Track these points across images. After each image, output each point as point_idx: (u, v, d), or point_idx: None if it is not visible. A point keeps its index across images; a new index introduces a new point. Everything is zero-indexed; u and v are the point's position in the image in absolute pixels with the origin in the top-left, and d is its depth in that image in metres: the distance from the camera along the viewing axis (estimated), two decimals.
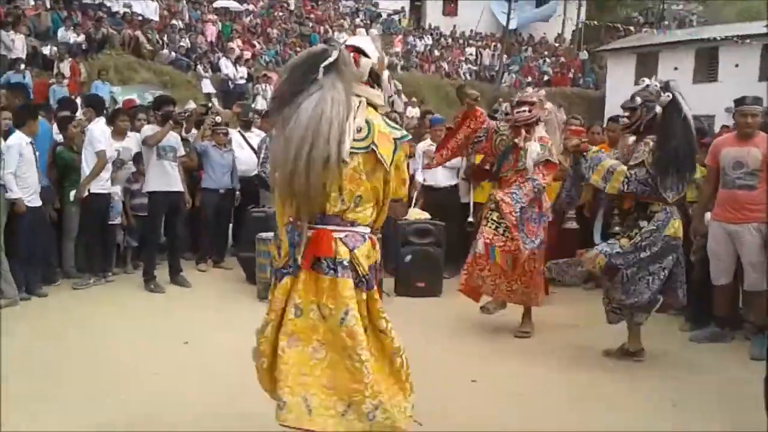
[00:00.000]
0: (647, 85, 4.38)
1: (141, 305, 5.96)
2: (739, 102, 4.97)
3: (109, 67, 15.78)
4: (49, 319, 5.41)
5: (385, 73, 2.89)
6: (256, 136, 8.18)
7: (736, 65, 22.97)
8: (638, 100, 4.35)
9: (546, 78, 28.37)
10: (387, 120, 2.80)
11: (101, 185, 6.41)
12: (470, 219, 7.06)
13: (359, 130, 2.64)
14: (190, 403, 3.75)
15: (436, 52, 27.40)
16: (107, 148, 6.40)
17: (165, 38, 18.60)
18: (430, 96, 22.81)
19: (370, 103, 2.74)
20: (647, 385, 4.26)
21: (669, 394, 4.07)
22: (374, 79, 2.81)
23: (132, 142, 7.05)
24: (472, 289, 5.23)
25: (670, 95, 4.25)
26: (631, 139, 4.57)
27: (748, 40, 22.31)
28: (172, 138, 6.61)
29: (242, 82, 18.32)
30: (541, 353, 4.82)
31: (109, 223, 6.87)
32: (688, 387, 4.22)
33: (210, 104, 12.91)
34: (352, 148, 2.59)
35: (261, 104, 17.10)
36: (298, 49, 22.26)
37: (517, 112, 5.14)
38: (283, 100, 2.63)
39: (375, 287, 2.73)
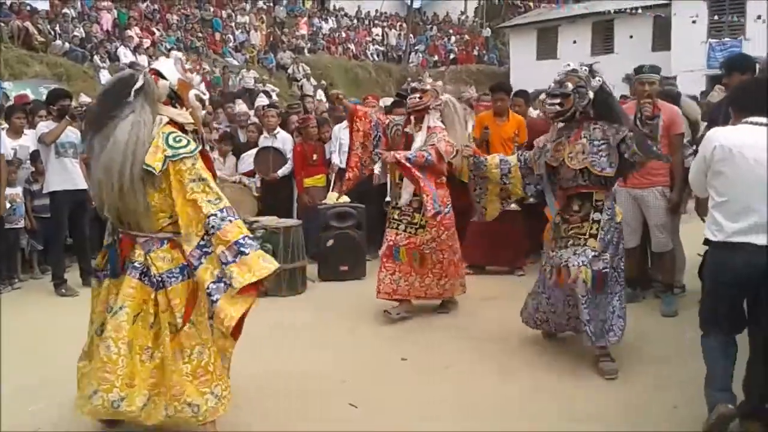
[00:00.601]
0: (573, 70, 4.13)
1: (52, 311, 5.68)
2: (638, 71, 5.17)
3: None
4: None
5: (192, 92, 3.22)
6: None
7: (631, 36, 23.98)
8: (569, 86, 4.07)
9: (452, 56, 28.76)
10: (174, 137, 3.00)
11: None
12: (387, 198, 7.09)
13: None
14: None
15: (343, 34, 27.24)
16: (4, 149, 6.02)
17: (57, 28, 17.58)
18: (338, 78, 22.69)
19: (174, 121, 3.07)
20: (571, 344, 4.42)
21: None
22: (176, 98, 3.14)
23: (29, 140, 6.68)
24: (389, 294, 5.10)
25: (600, 79, 4.09)
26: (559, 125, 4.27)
27: (640, 11, 23.29)
28: (71, 134, 6.29)
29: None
30: (469, 327, 4.92)
31: (11, 227, 6.52)
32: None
33: None
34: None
35: None
36: (199, 34, 21.67)
37: (409, 99, 5.13)
38: (100, 123, 2.99)
39: (173, 286, 3.01)
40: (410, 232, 5.02)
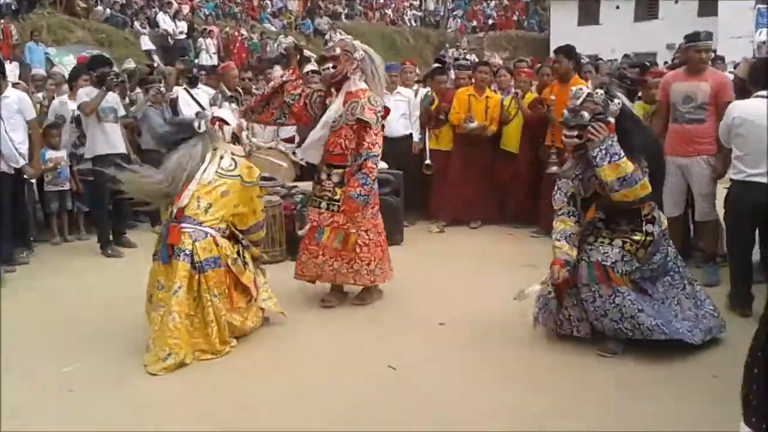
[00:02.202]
0: (589, 94, 3.74)
1: (98, 271, 5.85)
2: (693, 38, 5.03)
3: (41, 28, 15.07)
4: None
5: (244, 134, 4.29)
6: (203, 92, 7.96)
7: (676, 2, 23.29)
8: (586, 116, 3.69)
9: (491, 22, 28.31)
10: (250, 165, 4.17)
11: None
12: (428, 161, 7.10)
13: (229, 166, 4.07)
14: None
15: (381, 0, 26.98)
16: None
17: None
18: (375, 44, 22.43)
19: (235, 154, 4.16)
20: None
21: None
22: (235, 138, 4.22)
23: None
24: (311, 278, 4.75)
25: (620, 102, 3.73)
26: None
27: None
28: (111, 99, 6.39)
29: (182, 37, 17.75)
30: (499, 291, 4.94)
31: (57, 189, 6.71)
32: None
33: (156, 64, 12.49)
34: (219, 173, 4.02)
35: (204, 59, 16.65)
36: (238, 0, 21.67)
37: (323, 70, 4.52)
38: (173, 143, 4.22)
39: (207, 272, 3.83)
40: (333, 210, 4.54)
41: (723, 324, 3.97)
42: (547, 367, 3.72)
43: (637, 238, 3.83)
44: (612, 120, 3.69)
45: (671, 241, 4.06)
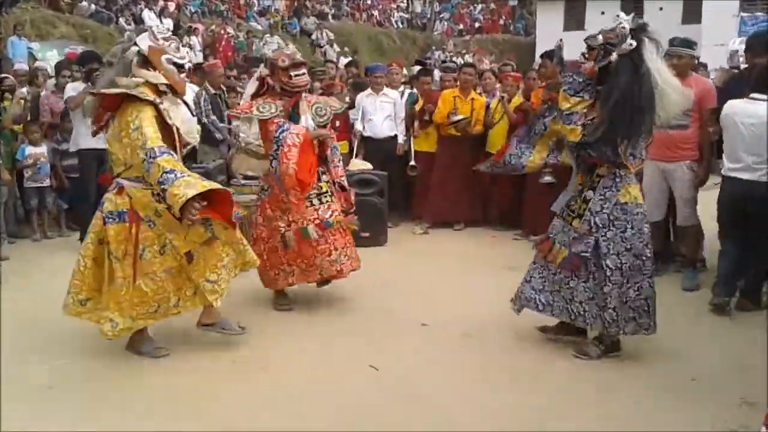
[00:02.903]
0: (617, 24, 3.59)
1: None
2: (669, 43, 5.08)
3: (24, 22, 14.86)
4: None
5: (163, 57, 3.68)
6: (188, 89, 7.90)
7: (660, 9, 23.52)
8: (600, 39, 3.64)
9: (477, 25, 28.41)
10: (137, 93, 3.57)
11: None
12: (412, 163, 7.11)
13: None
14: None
15: (368, 0, 26.97)
16: None
17: None
18: (362, 45, 22.55)
19: (148, 82, 3.65)
20: None
21: None
22: (148, 63, 3.68)
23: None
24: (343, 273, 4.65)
25: (634, 44, 3.53)
26: None
27: None
28: None
29: (168, 34, 17.61)
30: (486, 297, 4.96)
31: (36, 185, 6.65)
32: None
33: None
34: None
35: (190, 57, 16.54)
36: None
37: (296, 76, 4.40)
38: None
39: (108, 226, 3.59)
40: (328, 200, 4.56)
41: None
42: (531, 368, 3.74)
43: (575, 206, 3.79)
44: (613, 57, 3.56)
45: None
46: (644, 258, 3.70)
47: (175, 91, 3.75)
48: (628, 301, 3.68)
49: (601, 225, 3.66)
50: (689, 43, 5.07)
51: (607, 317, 3.69)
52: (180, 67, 3.77)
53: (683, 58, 4.97)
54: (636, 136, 3.62)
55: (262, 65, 4.84)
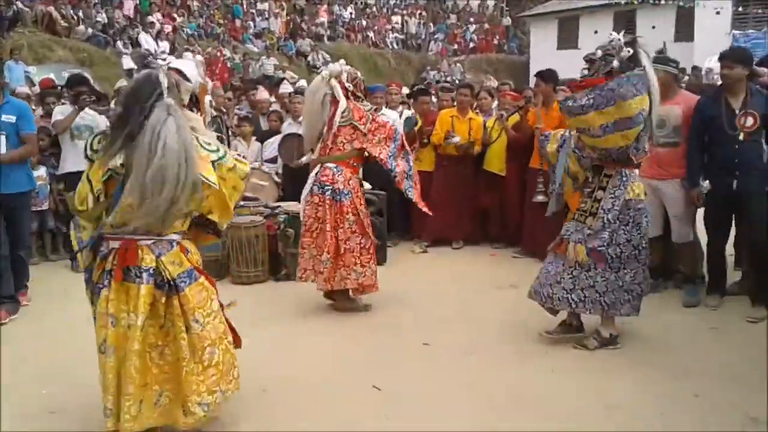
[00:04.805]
0: (611, 39, 4.09)
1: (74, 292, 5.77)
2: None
3: (22, 46, 14.96)
4: None
5: (207, 98, 3.09)
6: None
7: (653, 27, 23.72)
8: (599, 53, 4.09)
9: (471, 45, 28.63)
10: (203, 141, 2.92)
11: None
12: None
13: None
14: None
15: (363, 22, 27.20)
16: None
17: (80, 14, 17.75)
18: (358, 66, 22.43)
19: (191, 127, 2.84)
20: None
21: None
22: (194, 103, 2.99)
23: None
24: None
25: (630, 51, 3.98)
26: None
27: (663, 1, 23.04)
28: (88, 117, 6.45)
29: (164, 57, 17.73)
30: (483, 318, 4.96)
31: (36, 209, 6.64)
32: (631, 328, 4.48)
33: None
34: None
35: None
36: (220, 20, 21.74)
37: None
38: (133, 128, 2.70)
39: (185, 291, 2.92)
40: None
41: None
42: (534, 388, 3.73)
43: (586, 206, 4.16)
44: (615, 63, 3.96)
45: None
46: (640, 248, 4.13)
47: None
48: (624, 285, 4.11)
49: (613, 221, 4.06)
50: (666, 60, 5.09)
51: (607, 300, 4.09)
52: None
53: (658, 73, 5.01)
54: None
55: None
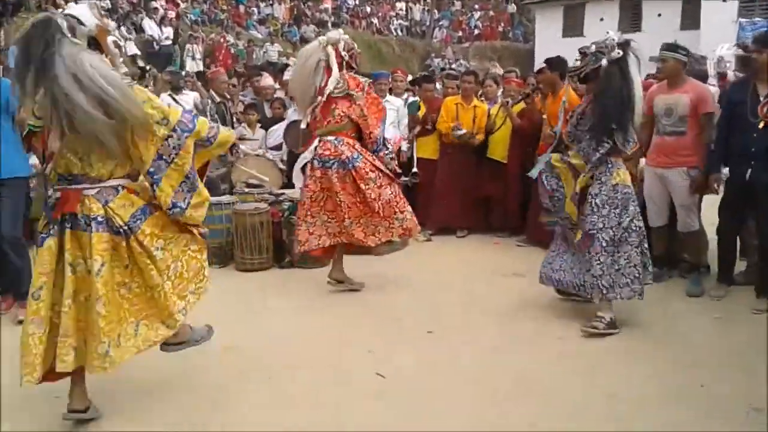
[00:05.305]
0: (607, 38, 4.26)
1: None
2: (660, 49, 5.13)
3: None
4: None
5: (110, 39, 3.04)
6: (188, 97, 7.96)
7: (659, 15, 23.59)
8: (592, 48, 4.28)
9: (476, 32, 28.49)
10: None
11: None
12: (415, 170, 7.12)
13: None
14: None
15: (367, 8, 27.07)
16: None
17: None
18: (362, 53, 22.56)
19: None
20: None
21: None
22: (95, 45, 2.95)
23: None
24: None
25: (621, 52, 4.16)
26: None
27: None
28: None
29: (168, 43, 17.69)
30: (488, 302, 4.96)
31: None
32: (635, 317, 4.49)
33: (148, 67, 12.46)
34: None
35: (190, 66, 16.62)
36: (224, 7, 21.66)
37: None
38: (43, 63, 2.70)
39: (141, 227, 2.99)
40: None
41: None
42: (540, 377, 3.72)
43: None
44: (604, 62, 4.18)
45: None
46: (630, 230, 4.27)
47: None
48: (620, 269, 4.24)
49: (601, 205, 4.24)
50: (675, 47, 5.04)
51: (604, 283, 4.21)
52: (120, 49, 3.14)
53: (667, 61, 5.00)
54: (626, 125, 4.23)
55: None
